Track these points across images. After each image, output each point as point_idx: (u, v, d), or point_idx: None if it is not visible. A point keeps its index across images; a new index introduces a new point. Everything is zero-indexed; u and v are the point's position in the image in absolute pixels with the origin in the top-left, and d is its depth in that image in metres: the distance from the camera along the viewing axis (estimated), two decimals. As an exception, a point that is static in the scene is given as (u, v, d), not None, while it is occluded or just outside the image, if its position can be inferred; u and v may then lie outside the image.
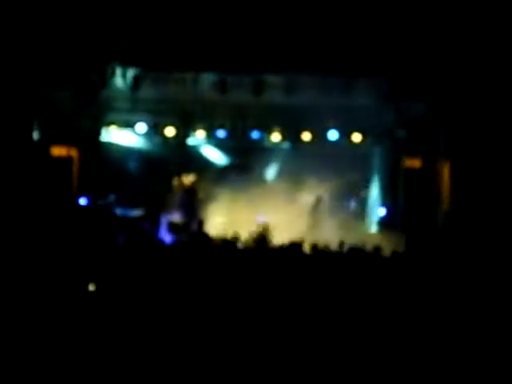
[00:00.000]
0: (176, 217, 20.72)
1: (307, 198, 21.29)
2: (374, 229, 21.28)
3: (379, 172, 21.21)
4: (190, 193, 21.45)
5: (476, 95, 16.89)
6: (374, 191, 22.04)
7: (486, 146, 17.23)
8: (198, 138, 22.21)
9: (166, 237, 19.39)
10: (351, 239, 16.61)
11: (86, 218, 19.31)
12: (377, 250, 14.02)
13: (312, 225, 20.43)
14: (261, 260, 11.04)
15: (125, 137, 22.25)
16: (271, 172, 22.07)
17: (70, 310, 6.91)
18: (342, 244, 15.23)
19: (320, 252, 13.72)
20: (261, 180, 20.81)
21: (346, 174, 21.92)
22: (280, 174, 21.20)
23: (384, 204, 21.13)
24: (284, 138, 21.97)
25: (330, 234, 18.69)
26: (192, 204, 21.20)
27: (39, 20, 16.09)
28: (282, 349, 6.14)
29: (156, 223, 20.35)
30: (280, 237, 17.40)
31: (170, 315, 6.86)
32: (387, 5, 15.95)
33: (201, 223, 16.41)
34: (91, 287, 8.18)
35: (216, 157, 22.99)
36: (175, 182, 21.82)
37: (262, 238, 14.75)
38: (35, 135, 18.03)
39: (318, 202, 21.13)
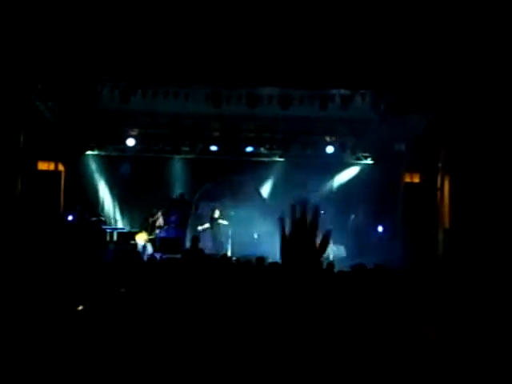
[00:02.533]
0: (168, 233, 20.11)
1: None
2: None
3: (377, 187, 20.63)
4: (183, 208, 20.85)
5: (477, 108, 16.39)
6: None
7: (488, 160, 16.69)
8: (189, 152, 21.80)
9: (157, 253, 18.78)
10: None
11: (74, 235, 18.75)
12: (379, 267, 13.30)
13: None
14: (255, 275, 10.45)
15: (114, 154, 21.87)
16: (266, 187, 21.53)
17: (57, 330, 6.35)
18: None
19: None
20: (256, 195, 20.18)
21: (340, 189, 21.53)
22: (274, 189, 20.59)
23: (381, 221, 20.63)
24: (278, 151, 21.57)
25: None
26: (185, 220, 20.63)
27: (28, 31, 15.53)
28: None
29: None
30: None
31: (158, 334, 6.27)
32: (388, 17, 15.44)
33: (195, 239, 15.79)
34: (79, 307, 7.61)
35: (202, 177, 22.43)
36: (168, 198, 21.25)
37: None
38: (22, 149, 17.37)
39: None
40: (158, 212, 20.27)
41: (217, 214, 20.56)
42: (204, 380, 5.69)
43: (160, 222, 20.05)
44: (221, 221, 20.24)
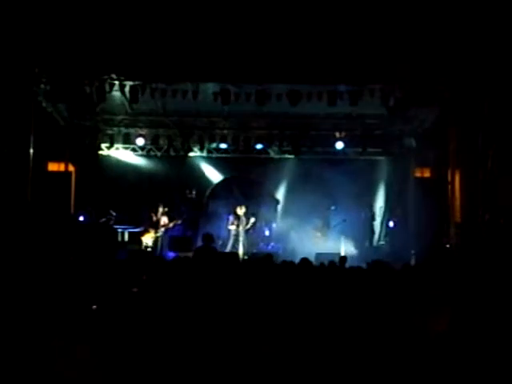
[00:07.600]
0: (179, 231, 20.03)
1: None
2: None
3: (387, 182, 20.59)
4: (193, 206, 20.82)
5: (486, 100, 16.32)
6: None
7: (498, 153, 16.61)
8: (199, 151, 21.78)
9: (169, 253, 18.73)
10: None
11: (86, 235, 18.75)
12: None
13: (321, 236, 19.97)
14: (265, 273, 10.47)
15: (123, 154, 21.89)
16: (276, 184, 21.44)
17: (70, 328, 6.38)
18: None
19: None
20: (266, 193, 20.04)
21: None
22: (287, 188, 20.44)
23: (391, 216, 20.59)
24: (288, 148, 21.53)
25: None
26: (196, 218, 20.56)
27: (35, 31, 15.55)
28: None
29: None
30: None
31: (172, 334, 6.30)
32: (395, 12, 15.41)
33: (208, 237, 15.55)
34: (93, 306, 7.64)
35: (213, 175, 22.37)
36: (178, 196, 21.17)
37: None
38: (31, 150, 17.35)
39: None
40: (158, 211, 19.88)
41: (242, 210, 20.01)
42: (214, 375, 5.72)
43: (164, 220, 19.79)
44: (252, 219, 19.76)
